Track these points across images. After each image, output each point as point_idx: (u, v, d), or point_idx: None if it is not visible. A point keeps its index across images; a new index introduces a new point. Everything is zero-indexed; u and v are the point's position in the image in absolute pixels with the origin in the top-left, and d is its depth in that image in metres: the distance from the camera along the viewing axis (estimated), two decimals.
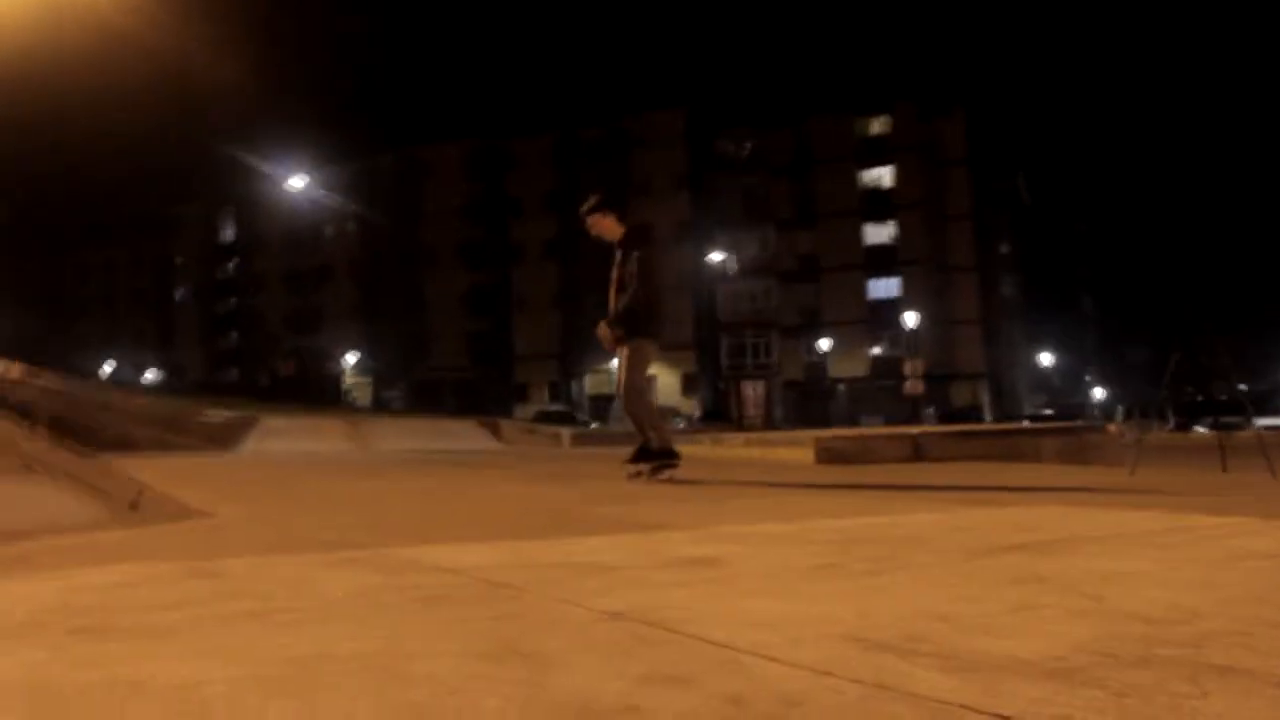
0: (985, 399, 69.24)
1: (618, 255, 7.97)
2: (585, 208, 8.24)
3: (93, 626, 2.22)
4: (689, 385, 72.79)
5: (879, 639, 2.02)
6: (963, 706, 1.55)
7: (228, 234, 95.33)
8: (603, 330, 7.95)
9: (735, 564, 3.18)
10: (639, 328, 7.86)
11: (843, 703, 1.58)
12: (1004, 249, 77.97)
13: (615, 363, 8.31)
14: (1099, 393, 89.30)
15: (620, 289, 7.89)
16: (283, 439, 18.21)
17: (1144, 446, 10.71)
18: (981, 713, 1.52)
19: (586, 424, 46.85)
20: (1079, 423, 24.40)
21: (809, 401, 68.06)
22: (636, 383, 8.00)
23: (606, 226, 8.09)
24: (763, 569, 3.09)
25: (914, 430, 14.10)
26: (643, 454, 7.91)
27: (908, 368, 49.68)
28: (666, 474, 7.79)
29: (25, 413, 8.70)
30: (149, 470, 6.47)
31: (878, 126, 72.35)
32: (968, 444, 12.24)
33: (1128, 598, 2.51)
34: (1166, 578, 2.82)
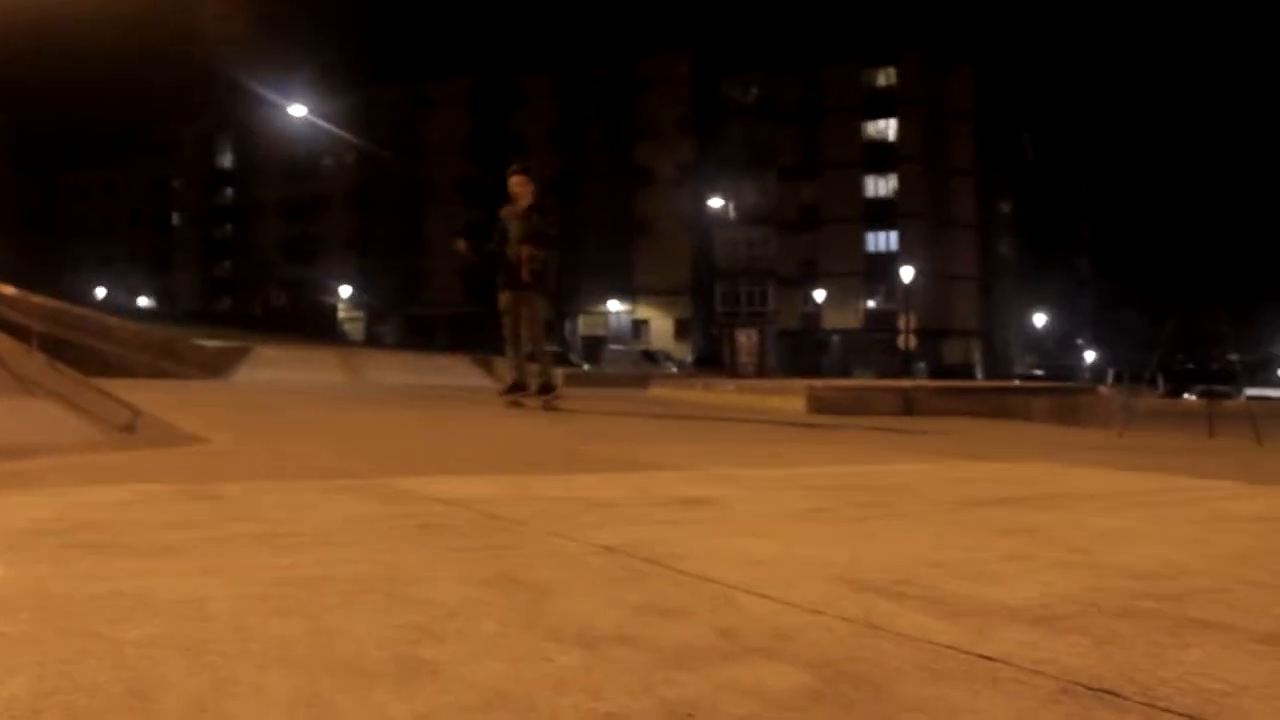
0: (978, 356, 69.37)
1: (528, 214, 9.47)
2: (515, 167, 9.73)
3: (94, 542, 2.25)
4: (682, 330, 72.80)
5: (869, 581, 2.06)
6: (949, 647, 1.58)
7: (225, 160, 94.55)
8: (526, 252, 9.35)
9: (729, 505, 3.22)
10: (549, 282, 9.47)
11: (832, 639, 1.62)
12: (1005, 207, 77.70)
13: (528, 311, 9.51)
14: (1091, 356, 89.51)
15: (532, 242, 9.37)
16: (276, 369, 18.25)
17: (1133, 411, 10.78)
18: (967, 653, 1.55)
19: (579, 365, 46.89)
20: (1070, 384, 24.47)
21: (802, 352, 68.08)
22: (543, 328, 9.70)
23: (527, 190, 9.54)
24: (756, 511, 3.13)
25: (906, 384, 14.15)
26: (546, 389, 9.62)
27: (902, 322, 49.71)
28: (556, 404, 9.49)
29: (20, 333, 8.68)
30: (143, 395, 6.49)
31: (884, 78, 71.71)
32: (959, 400, 12.30)
33: (1114, 553, 2.55)
34: (1152, 535, 2.87)
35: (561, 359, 44.67)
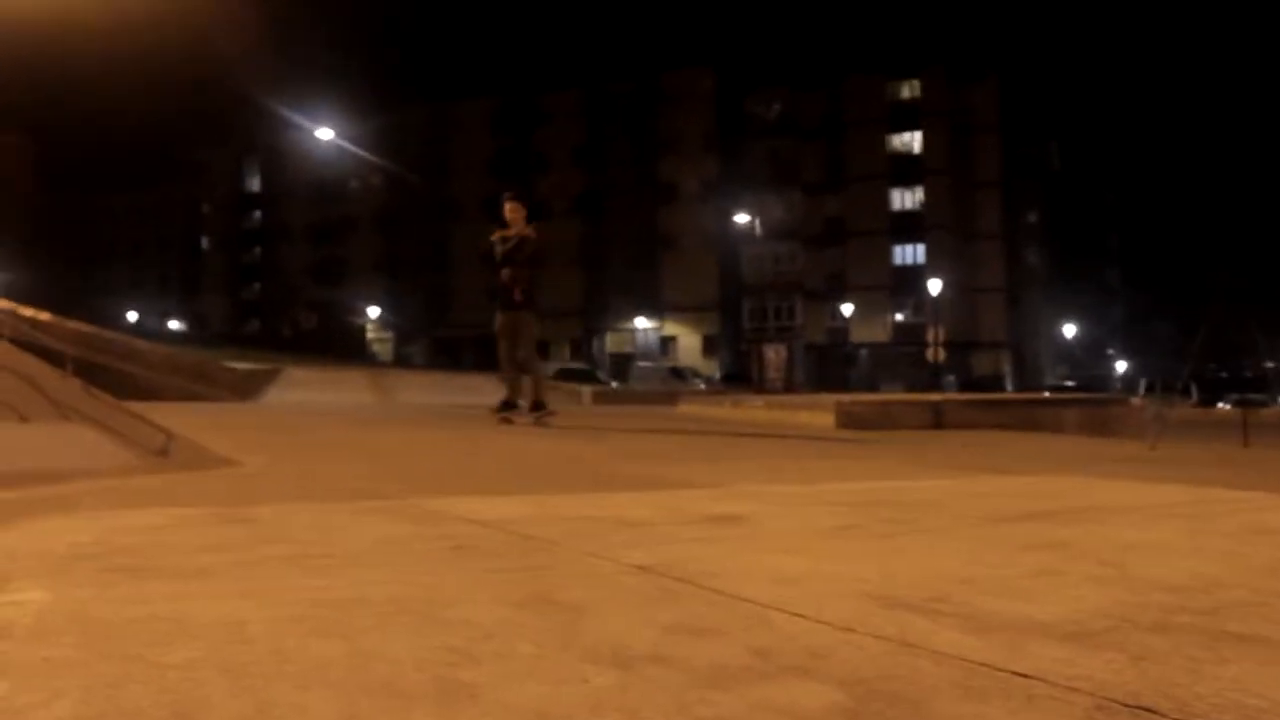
0: (1007, 368, 68.98)
1: (514, 239, 9.91)
2: (509, 195, 10.26)
3: (132, 566, 2.28)
4: (710, 346, 72.73)
5: (901, 598, 2.06)
6: (983, 664, 1.59)
7: (254, 183, 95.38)
8: (506, 275, 9.89)
9: (759, 522, 3.23)
10: (534, 301, 9.93)
11: (865, 657, 1.62)
12: (1031, 218, 77.33)
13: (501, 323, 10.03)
14: (1122, 366, 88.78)
15: (514, 264, 9.86)
16: (306, 390, 18.37)
17: (1166, 421, 10.68)
18: (1001, 670, 1.55)
19: (606, 382, 46.92)
20: (1101, 395, 24.29)
21: (830, 366, 67.92)
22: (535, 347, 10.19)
23: (519, 216, 9.98)
24: (785, 528, 3.13)
25: (935, 397, 14.09)
26: (537, 406, 9.99)
27: (930, 335, 49.50)
28: (548, 420, 9.85)
29: (54, 359, 8.80)
30: (176, 418, 6.56)
31: (908, 91, 71.61)
32: (989, 413, 12.24)
33: (1148, 566, 2.53)
34: (1185, 548, 2.85)
35: (589, 376, 44.76)
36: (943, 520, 3.38)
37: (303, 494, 3.88)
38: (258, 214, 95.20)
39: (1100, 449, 8.61)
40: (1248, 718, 1.36)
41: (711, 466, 5.58)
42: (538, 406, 10.02)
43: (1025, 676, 1.52)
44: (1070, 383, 65.92)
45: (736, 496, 3.98)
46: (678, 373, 52.92)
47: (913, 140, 71.26)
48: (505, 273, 9.89)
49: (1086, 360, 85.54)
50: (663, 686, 1.44)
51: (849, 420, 10.56)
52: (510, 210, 10.05)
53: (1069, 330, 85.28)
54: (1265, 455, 8.61)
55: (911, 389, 51.89)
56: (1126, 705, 1.39)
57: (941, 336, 49.48)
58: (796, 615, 1.91)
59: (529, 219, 10.05)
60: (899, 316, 69.79)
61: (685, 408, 15.05)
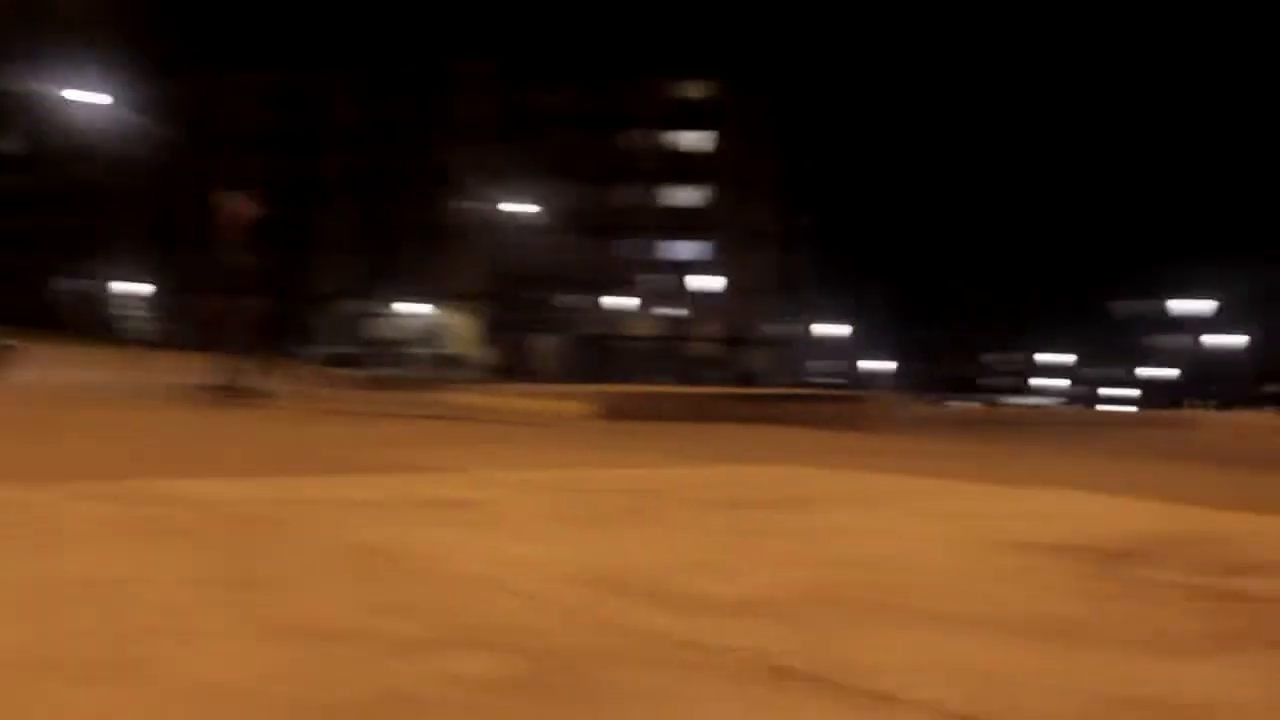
0: (775, 364, 71.53)
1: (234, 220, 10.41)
2: (231, 186, 11.12)
3: None
4: (484, 335, 72.35)
5: (611, 579, 2.16)
6: (664, 637, 1.69)
7: (10, 144, 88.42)
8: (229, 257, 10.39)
9: (494, 506, 3.29)
10: (265, 283, 10.24)
11: (559, 632, 1.70)
12: (805, 220, 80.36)
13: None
14: (884, 365, 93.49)
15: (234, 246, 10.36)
16: (50, 368, 17.23)
17: (913, 417, 11.37)
18: (678, 642, 1.66)
19: (373, 369, 45.97)
20: (855, 391, 25.56)
21: (600, 358, 68.67)
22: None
23: (240, 207, 10.66)
24: (521, 513, 3.21)
25: (697, 390, 14.52)
26: (252, 390, 10.22)
27: (700, 330, 50.83)
28: (269, 403, 10.04)
29: None
30: None
31: (692, 91, 73.17)
32: (747, 406, 12.70)
33: (847, 547, 2.74)
34: (881, 530, 3.09)
35: (350, 361, 43.74)
36: (675, 506, 3.53)
37: (21, 474, 3.69)
38: (11, 178, 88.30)
39: (844, 442, 9.09)
40: (869, 670, 1.52)
41: (460, 452, 5.61)
42: (253, 390, 10.18)
43: (697, 647, 1.64)
44: (833, 380, 69.03)
45: (477, 482, 4.03)
46: (447, 360, 52.42)
47: (694, 140, 72.88)
48: (228, 255, 10.31)
49: (851, 358, 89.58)
50: (347, 659, 1.47)
51: (606, 410, 10.77)
52: (229, 200, 10.54)
53: (836, 330, 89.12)
54: (991, 449, 9.29)
55: (681, 383, 53.13)
56: (778, 667, 1.52)
57: (713, 332, 50.85)
58: (509, 593, 1.98)
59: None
60: (672, 311, 71.26)
61: (450, 395, 14.97)
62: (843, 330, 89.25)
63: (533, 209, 68.58)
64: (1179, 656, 1.68)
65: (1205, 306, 62.06)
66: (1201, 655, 1.70)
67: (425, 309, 73.62)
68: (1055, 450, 9.32)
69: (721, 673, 1.50)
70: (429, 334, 72.17)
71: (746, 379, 60.55)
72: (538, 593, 1.99)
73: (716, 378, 58.94)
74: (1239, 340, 63.20)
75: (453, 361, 51.77)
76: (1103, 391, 71.13)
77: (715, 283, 61.71)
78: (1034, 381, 75.83)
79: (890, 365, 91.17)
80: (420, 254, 72.05)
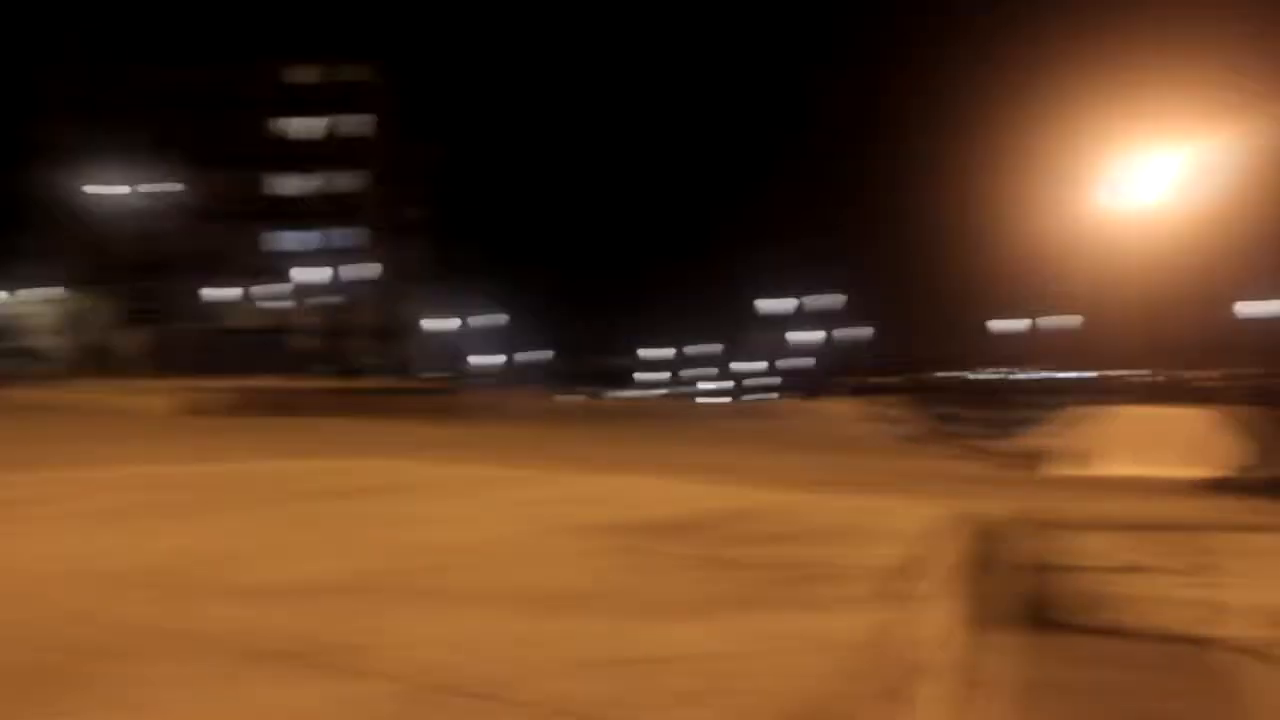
0: (393, 357, 70.40)
1: None
2: None
3: None
4: (73, 326, 66.31)
5: (132, 574, 2.11)
6: (160, 627, 1.68)
7: None
8: None
9: (33, 505, 3.12)
10: None
11: (55, 627, 1.66)
12: (427, 212, 79.58)
13: None
14: (503, 358, 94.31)
15: None
16: None
17: (523, 409, 11.63)
18: (175, 630, 1.66)
19: None
20: (465, 384, 25.72)
21: (202, 350, 64.83)
22: None
23: None
24: (66, 510, 3.06)
25: (293, 384, 14.13)
26: None
27: (309, 321, 49.27)
28: None
29: None
30: None
31: (307, 75, 70.45)
32: (347, 400, 12.54)
33: (416, 535, 2.82)
34: (457, 518, 3.21)
35: None
36: (242, 499, 3.48)
37: None
38: None
39: (442, 434, 9.19)
40: (362, 649, 1.60)
41: (30, 450, 5.21)
42: None
43: (195, 634, 1.65)
44: (450, 373, 68.96)
45: (31, 483, 3.79)
46: (24, 353, 47.54)
47: (309, 125, 70.25)
48: None
49: (473, 351, 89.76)
50: None
51: (194, 406, 10.29)
52: None
53: (455, 323, 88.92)
54: (592, 438, 9.68)
55: (289, 375, 51.20)
56: (266, 650, 1.57)
57: (323, 324, 49.39)
58: (14, 594, 1.91)
59: None
60: (282, 303, 68.46)
61: (25, 391, 13.71)
62: (465, 321, 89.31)
63: (132, 192, 63.57)
64: (675, 618, 1.87)
65: (835, 301, 67.29)
66: (695, 616, 1.90)
67: (5, 296, 66.37)
68: (657, 438, 9.92)
69: (216, 659, 1.53)
70: (8, 325, 65.16)
71: (363, 371, 59.35)
72: (40, 590, 1.94)
73: (329, 370, 57.36)
74: (864, 332, 69.20)
75: (30, 355, 47.01)
76: (748, 383, 75.61)
77: (330, 273, 59.83)
78: (682, 373, 79.53)
79: (512, 356, 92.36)
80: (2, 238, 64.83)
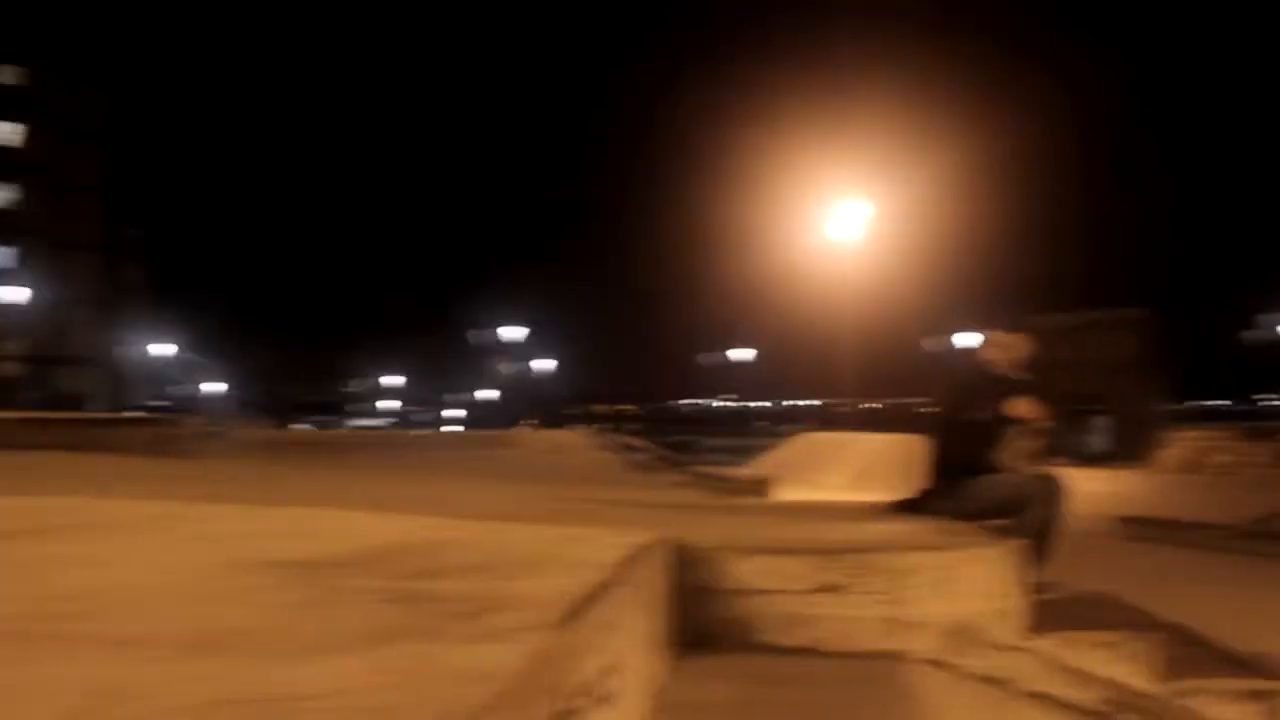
0: (100, 387, 65.90)
1: None
2: None
3: None
4: None
5: None
6: None
7: None
8: None
9: None
10: None
11: None
12: (135, 232, 75.18)
13: None
14: (221, 386, 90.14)
15: None
16: None
17: (228, 440, 11.11)
18: None
19: None
20: (173, 414, 24.40)
21: None
22: None
23: None
24: None
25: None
26: None
27: (7, 348, 45.54)
28: None
29: None
30: None
31: (8, 78, 65.18)
32: (44, 432, 11.61)
33: (68, 578, 2.61)
34: (119, 559, 2.99)
35: None
36: None
37: None
38: None
39: (144, 468, 8.64)
40: None
41: None
42: None
43: None
44: (160, 402, 65.21)
45: None
46: None
47: (6, 133, 65.05)
48: None
49: (185, 380, 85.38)
50: None
51: None
52: None
53: (168, 349, 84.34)
54: (289, 471, 9.33)
55: None
56: None
57: (20, 350, 45.73)
58: None
59: None
60: None
61: None
62: (179, 348, 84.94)
63: None
64: (332, 654, 1.80)
65: (521, 333, 67.67)
66: (354, 651, 1.84)
67: None
68: (354, 471, 9.64)
69: None
70: None
71: (63, 402, 55.18)
72: None
73: (28, 400, 53.01)
74: (550, 364, 69.86)
75: None
76: (446, 414, 74.52)
77: (29, 294, 55.53)
78: (380, 404, 77.44)
79: (227, 385, 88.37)
80: None
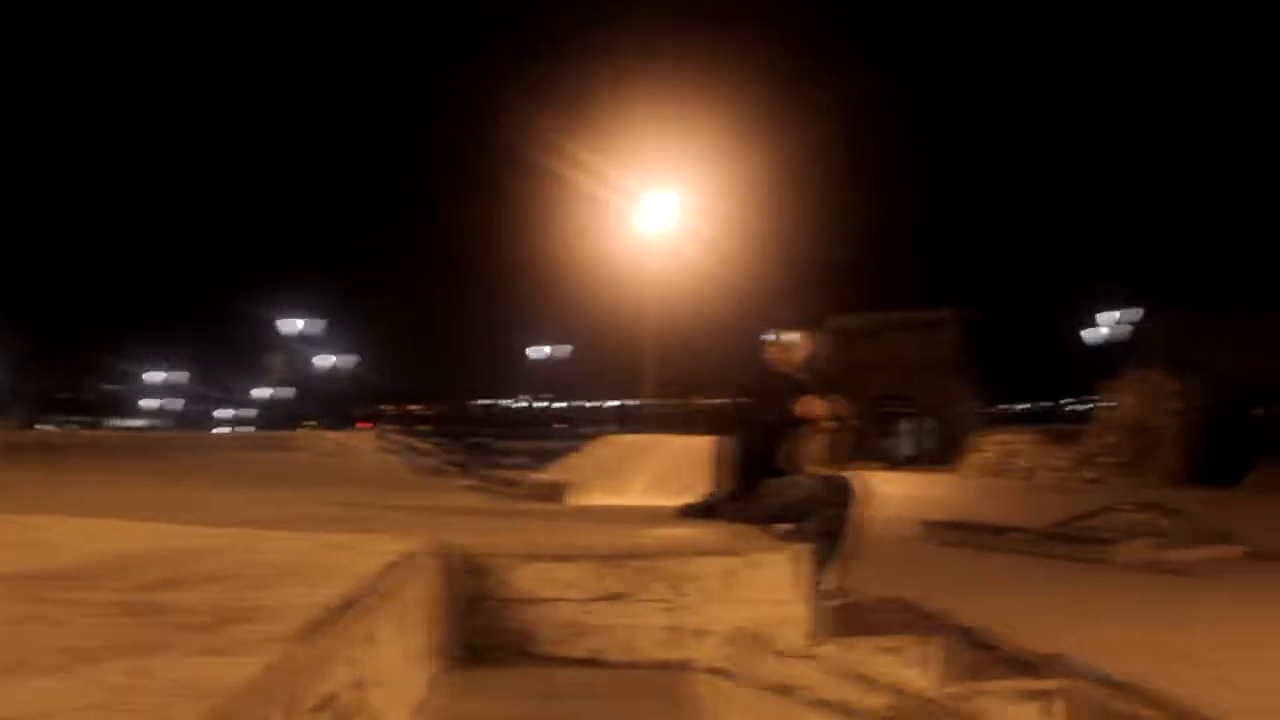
0: None
1: None
2: None
3: None
4: None
5: None
6: None
7: None
8: None
9: None
10: None
11: None
12: None
13: None
14: None
15: None
16: None
17: None
18: None
19: None
20: None
21: None
22: None
23: None
24: None
25: None
26: None
27: None
28: None
29: None
30: None
31: None
32: None
33: None
34: None
35: None
36: None
37: None
38: None
39: None
40: None
41: None
42: None
43: None
44: None
45: None
46: None
47: None
48: None
49: None
50: None
51: None
52: None
53: None
54: (33, 476, 8.54)
55: None
56: None
57: None
58: None
59: None
60: None
61: None
62: None
63: None
64: (41, 674, 1.67)
65: (316, 327, 64.51)
66: (68, 669, 1.69)
67: None
68: (109, 475, 8.91)
69: None
70: None
71: None
72: None
73: None
74: (350, 360, 66.90)
75: None
76: (219, 414, 70.21)
77: None
78: (146, 403, 71.99)
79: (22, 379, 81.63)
80: None
